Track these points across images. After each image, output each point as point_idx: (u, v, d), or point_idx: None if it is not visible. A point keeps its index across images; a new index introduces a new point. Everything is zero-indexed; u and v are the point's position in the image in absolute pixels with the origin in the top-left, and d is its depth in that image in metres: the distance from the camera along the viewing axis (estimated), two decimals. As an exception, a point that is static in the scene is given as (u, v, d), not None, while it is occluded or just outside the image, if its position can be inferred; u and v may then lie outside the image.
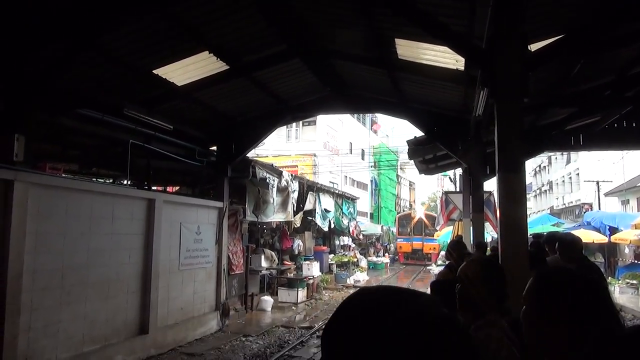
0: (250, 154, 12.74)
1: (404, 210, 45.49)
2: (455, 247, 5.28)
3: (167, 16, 6.30)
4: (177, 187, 15.39)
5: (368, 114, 39.04)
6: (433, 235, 30.19)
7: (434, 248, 30.70)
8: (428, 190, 61.64)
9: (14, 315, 6.06)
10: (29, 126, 6.59)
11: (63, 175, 9.32)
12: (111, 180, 12.55)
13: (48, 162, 9.34)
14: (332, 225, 20.59)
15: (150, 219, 8.93)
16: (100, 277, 7.72)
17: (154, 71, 7.79)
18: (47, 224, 6.72)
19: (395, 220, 37.04)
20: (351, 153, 36.26)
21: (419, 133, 11.35)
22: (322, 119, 30.21)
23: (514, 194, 4.19)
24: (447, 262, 5.75)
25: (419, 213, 34.35)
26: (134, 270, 8.53)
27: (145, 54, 7.25)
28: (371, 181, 41.51)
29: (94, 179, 11.52)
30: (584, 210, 31.62)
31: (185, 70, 8.06)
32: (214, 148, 11.91)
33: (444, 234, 23.37)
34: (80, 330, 7.29)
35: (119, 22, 6.19)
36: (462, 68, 7.14)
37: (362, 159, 38.98)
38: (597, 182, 30.27)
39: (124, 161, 9.07)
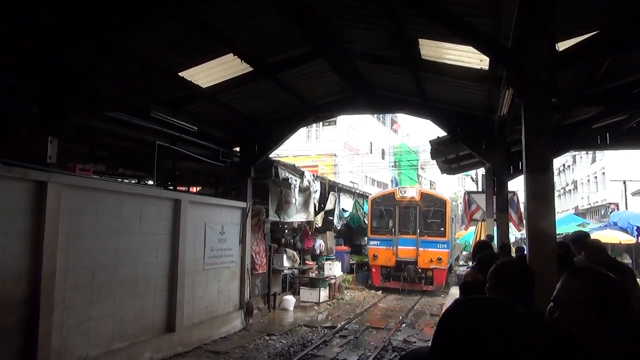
0: (272, 155, 12.84)
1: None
2: (483, 248, 5.28)
3: (192, 18, 6.41)
4: (200, 188, 15.59)
5: (388, 114, 38.89)
6: (441, 234, 18.04)
7: (439, 258, 17.50)
8: (449, 189, 61.05)
9: (48, 312, 6.26)
10: (61, 129, 6.77)
11: (92, 176, 9.54)
12: (136, 181, 12.81)
13: (77, 163, 9.61)
14: (345, 222, 20.23)
15: (176, 219, 9.08)
16: (129, 276, 7.89)
17: (179, 73, 7.93)
18: (78, 224, 6.91)
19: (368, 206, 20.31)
20: (371, 153, 36.18)
21: (441, 132, 11.31)
22: (342, 118, 30.20)
23: (542, 194, 4.17)
24: (473, 263, 5.74)
25: (411, 192, 19.12)
26: (161, 270, 8.69)
27: (171, 57, 7.40)
28: (391, 181, 41.34)
29: (119, 180, 11.76)
30: (610, 210, 31.01)
31: (210, 73, 8.19)
32: (237, 149, 12.04)
33: (466, 234, 23.08)
34: (110, 328, 7.47)
35: (145, 24, 6.31)
36: (487, 68, 7.10)
37: (382, 158, 38.89)
38: (624, 182, 29.64)
39: (150, 162, 9.25)
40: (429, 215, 18.33)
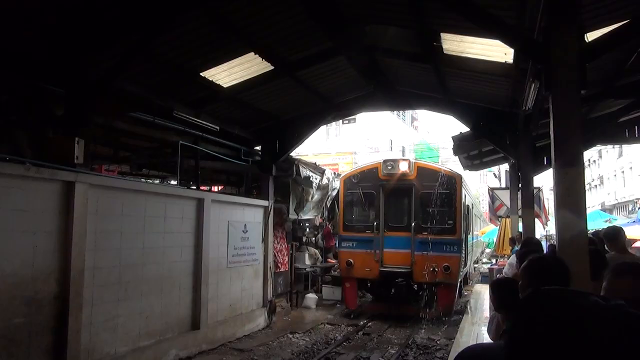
0: (292, 153, 12.86)
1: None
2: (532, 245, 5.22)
3: (215, 18, 6.45)
4: (222, 187, 15.71)
5: (408, 111, 38.60)
6: (448, 230, 11.67)
7: (446, 268, 11.36)
8: (471, 186, 60.39)
9: (77, 310, 6.36)
10: (87, 130, 6.88)
11: (118, 176, 9.70)
12: (159, 181, 12.98)
13: (103, 164, 9.78)
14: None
15: (199, 218, 9.16)
16: (155, 274, 7.99)
17: (201, 74, 8.00)
18: (105, 223, 7.02)
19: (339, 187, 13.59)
20: (391, 150, 35.94)
21: (463, 128, 11.18)
22: (361, 116, 29.99)
23: (572, 188, 4.08)
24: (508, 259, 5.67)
25: (403, 166, 12.17)
26: (185, 268, 8.78)
27: (193, 57, 7.47)
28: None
29: (143, 180, 11.92)
30: (638, 206, 30.22)
31: (231, 72, 8.24)
32: (259, 148, 12.09)
33: (490, 231, 22.79)
34: (137, 325, 7.57)
35: (168, 26, 6.37)
36: (511, 61, 6.98)
37: (403, 155, 38.60)
38: (653, 176, 28.88)
39: (172, 162, 9.35)
40: (431, 201, 11.74)
